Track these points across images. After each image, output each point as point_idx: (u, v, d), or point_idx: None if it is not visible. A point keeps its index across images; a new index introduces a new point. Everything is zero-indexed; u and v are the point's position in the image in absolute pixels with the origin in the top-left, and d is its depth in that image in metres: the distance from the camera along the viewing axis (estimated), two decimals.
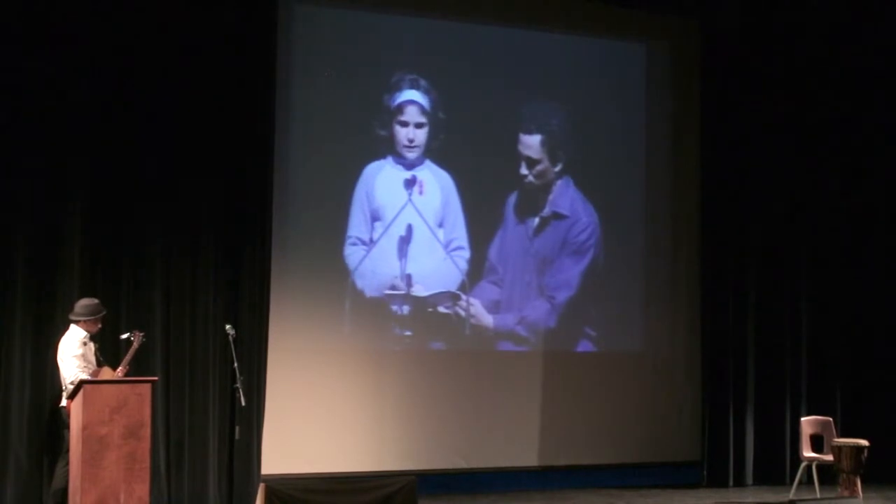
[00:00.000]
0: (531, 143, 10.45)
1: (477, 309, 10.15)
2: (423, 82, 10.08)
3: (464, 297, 10.10)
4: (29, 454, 8.37)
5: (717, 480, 10.54)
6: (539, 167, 10.46)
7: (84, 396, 7.22)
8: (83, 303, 7.98)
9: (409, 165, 10.03)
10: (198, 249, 9.01)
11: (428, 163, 10.08)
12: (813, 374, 11.01)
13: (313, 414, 9.46)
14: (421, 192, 10.02)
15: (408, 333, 9.95)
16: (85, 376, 7.58)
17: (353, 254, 9.77)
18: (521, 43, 10.44)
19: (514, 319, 10.28)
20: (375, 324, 9.82)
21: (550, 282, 10.43)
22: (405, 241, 9.92)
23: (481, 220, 10.22)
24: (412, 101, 10.04)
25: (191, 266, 8.98)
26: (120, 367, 7.97)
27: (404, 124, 10.04)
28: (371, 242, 9.81)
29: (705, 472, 10.59)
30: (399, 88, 10.01)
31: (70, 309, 8.02)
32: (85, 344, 7.82)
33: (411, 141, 10.03)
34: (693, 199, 10.93)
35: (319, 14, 9.75)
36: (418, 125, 10.07)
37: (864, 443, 9.32)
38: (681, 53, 11.01)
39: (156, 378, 8.13)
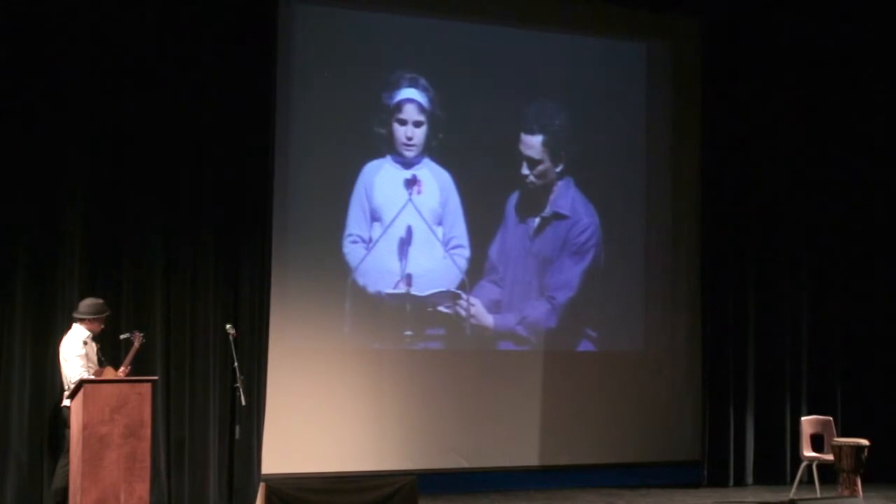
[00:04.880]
0: (533, 144, 10.45)
1: (477, 309, 10.16)
2: (421, 80, 10.09)
3: (464, 296, 10.10)
4: (29, 454, 8.37)
5: (717, 480, 10.54)
6: (540, 167, 10.47)
7: (84, 396, 7.22)
8: (88, 302, 7.97)
9: (408, 164, 10.03)
10: (198, 249, 9.01)
11: (427, 161, 10.09)
12: (813, 374, 11.00)
13: (313, 413, 9.47)
14: (419, 192, 10.03)
15: (408, 333, 9.96)
16: (88, 376, 7.58)
17: (352, 252, 9.77)
18: (522, 43, 10.44)
19: (514, 319, 10.29)
20: (375, 323, 9.83)
21: (551, 282, 10.43)
22: (405, 240, 9.92)
23: (482, 219, 10.23)
24: (410, 100, 10.04)
25: (191, 266, 8.98)
26: (122, 368, 7.97)
27: (403, 122, 10.04)
28: (371, 241, 9.81)
29: (705, 472, 10.58)
30: (398, 86, 10.01)
31: (74, 308, 8.02)
32: (87, 343, 7.82)
33: (409, 139, 10.03)
34: (693, 200, 10.93)
35: (319, 13, 9.76)
36: (417, 123, 10.07)
37: (865, 442, 9.32)
38: (681, 53, 11.01)
39: (156, 378, 8.13)
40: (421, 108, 10.09)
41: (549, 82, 10.51)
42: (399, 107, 10.02)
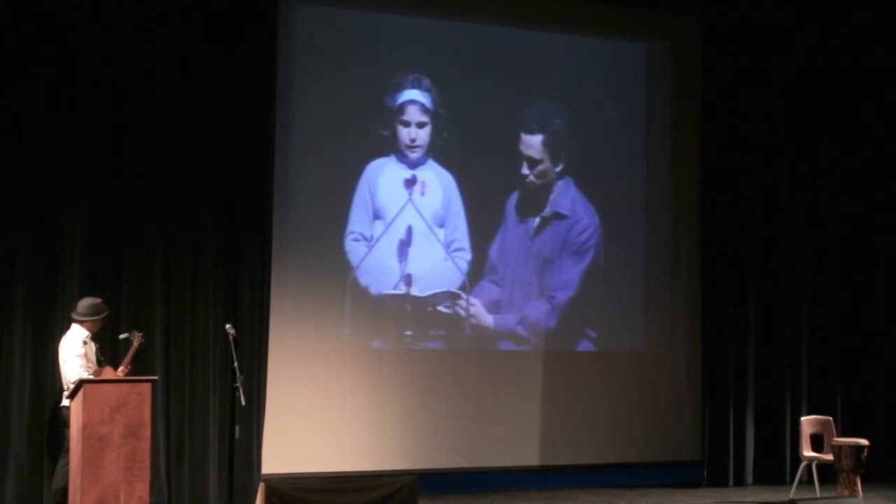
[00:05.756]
0: (533, 143, 10.45)
1: (477, 309, 10.15)
2: (425, 81, 10.08)
3: (464, 296, 10.10)
4: (29, 454, 8.37)
5: (717, 480, 10.54)
6: (540, 167, 10.47)
7: (84, 396, 7.22)
8: (86, 302, 7.96)
9: (412, 165, 10.03)
10: (198, 249, 9.01)
11: (431, 162, 10.09)
12: (813, 374, 11.01)
13: (313, 413, 9.47)
14: (423, 193, 10.02)
15: (408, 333, 9.96)
16: (87, 376, 7.57)
17: (354, 249, 9.77)
18: (522, 43, 10.44)
19: (514, 319, 10.28)
20: (375, 323, 9.83)
21: (551, 282, 10.43)
22: (405, 240, 9.92)
23: (482, 219, 10.23)
24: (413, 101, 10.04)
25: (191, 266, 8.98)
26: (121, 368, 7.96)
27: (406, 124, 10.04)
28: (372, 240, 9.82)
29: (705, 472, 10.58)
30: (400, 88, 10.01)
31: (72, 308, 8.01)
32: (86, 343, 7.82)
33: (413, 140, 10.03)
34: (693, 200, 10.93)
35: (320, 13, 9.75)
36: (420, 125, 10.06)
37: (864, 442, 9.32)
38: (681, 53, 11.01)
39: (156, 378, 8.13)
40: (424, 109, 10.08)
41: (549, 82, 10.51)
42: (402, 108, 10.02)
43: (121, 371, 7.92)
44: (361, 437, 9.64)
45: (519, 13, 10.43)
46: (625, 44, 10.88)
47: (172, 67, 8.93)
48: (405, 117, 10.03)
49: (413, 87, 10.04)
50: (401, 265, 9.90)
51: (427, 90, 10.08)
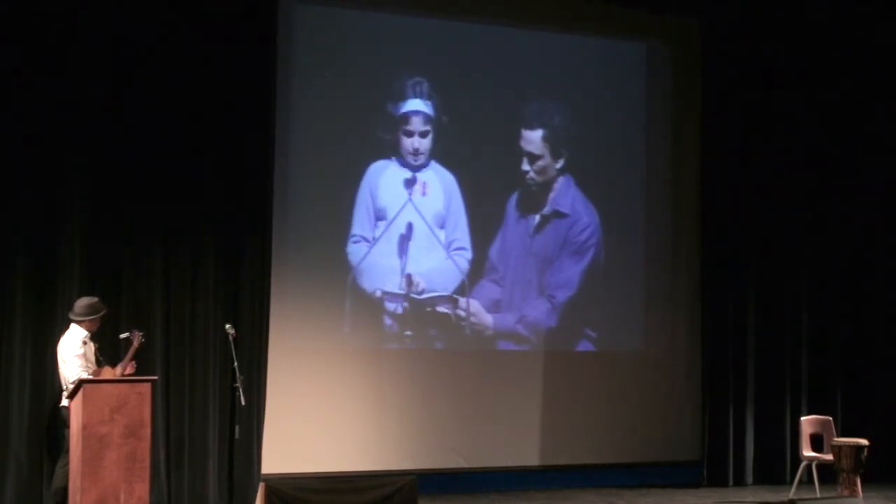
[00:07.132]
0: (533, 139, 10.45)
1: (477, 308, 10.16)
2: (425, 87, 10.06)
3: (464, 297, 10.09)
4: (29, 454, 8.37)
5: (717, 480, 10.55)
6: (540, 163, 10.47)
7: (84, 396, 7.22)
8: (84, 302, 7.96)
9: (414, 168, 10.03)
10: (198, 249, 9.01)
11: (432, 163, 10.09)
12: (813, 374, 11.01)
13: (313, 413, 9.47)
14: (423, 193, 10.02)
15: (408, 333, 9.96)
16: (87, 376, 7.57)
17: (356, 252, 9.77)
18: (522, 43, 10.44)
19: (514, 319, 10.29)
20: (375, 323, 9.83)
21: (551, 281, 10.44)
22: (405, 239, 9.92)
23: (483, 219, 10.23)
24: (416, 112, 10.03)
25: (191, 265, 8.98)
26: (119, 367, 7.95)
27: (409, 134, 10.03)
28: (373, 241, 9.82)
29: (705, 472, 10.59)
30: (402, 95, 9.98)
31: (70, 308, 8.01)
32: (85, 343, 7.81)
33: (416, 150, 10.02)
34: (693, 200, 10.93)
35: (320, 13, 9.75)
36: (423, 134, 10.06)
37: (864, 442, 9.32)
38: (681, 53, 11.01)
39: (156, 377, 8.12)
40: (427, 119, 10.07)
41: (549, 82, 10.51)
42: (406, 118, 10.01)
43: (121, 369, 7.90)
44: (361, 437, 9.64)
45: (519, 13, 10.43)
46: (625, 44, 10.88)
47: (172, 67, 8.93)
48: (409, 127, 10.02)
49: (415, 97, 10.01)
50: (401, 265, 9.90)
51: (429, 97, 10.07)
